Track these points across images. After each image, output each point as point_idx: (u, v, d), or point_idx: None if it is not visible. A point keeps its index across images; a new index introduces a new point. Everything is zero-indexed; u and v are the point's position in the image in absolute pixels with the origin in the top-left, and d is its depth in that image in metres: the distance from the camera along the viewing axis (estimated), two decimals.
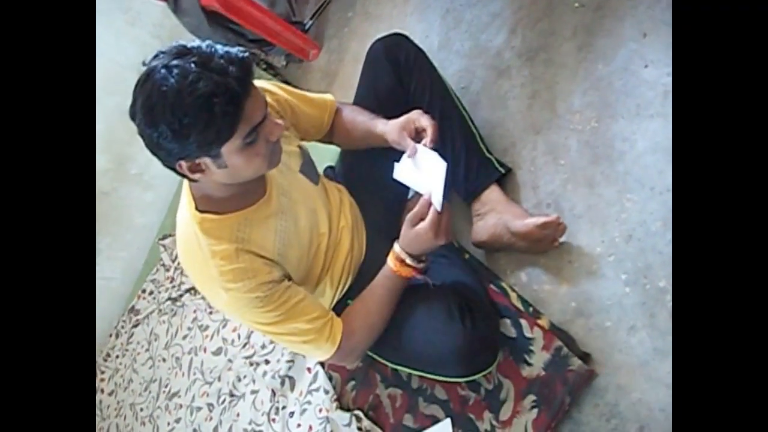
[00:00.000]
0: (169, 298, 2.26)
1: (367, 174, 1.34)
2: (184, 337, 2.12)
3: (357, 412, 1.41)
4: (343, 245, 1.24)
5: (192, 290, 2.18)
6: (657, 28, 1.28)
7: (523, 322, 1.21)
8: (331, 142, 1.33)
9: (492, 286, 1.28)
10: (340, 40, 2.07)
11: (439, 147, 1.15)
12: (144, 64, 0.88)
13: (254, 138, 0.91)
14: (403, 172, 1.12)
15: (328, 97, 1.30)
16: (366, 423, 1.39)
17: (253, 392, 1.73)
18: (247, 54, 0.89)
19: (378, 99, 1.30)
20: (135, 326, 2.39)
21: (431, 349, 1.11)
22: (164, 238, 2.46)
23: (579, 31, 1.40)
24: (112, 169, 2.34)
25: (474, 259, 1.35)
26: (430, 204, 1.05)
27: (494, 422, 1.18)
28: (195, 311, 2.13)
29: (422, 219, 1.05)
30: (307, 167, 1.20)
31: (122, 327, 2.47)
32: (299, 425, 1.54)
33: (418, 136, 1.12)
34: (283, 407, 1.61)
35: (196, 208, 1.01)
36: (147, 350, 2.28)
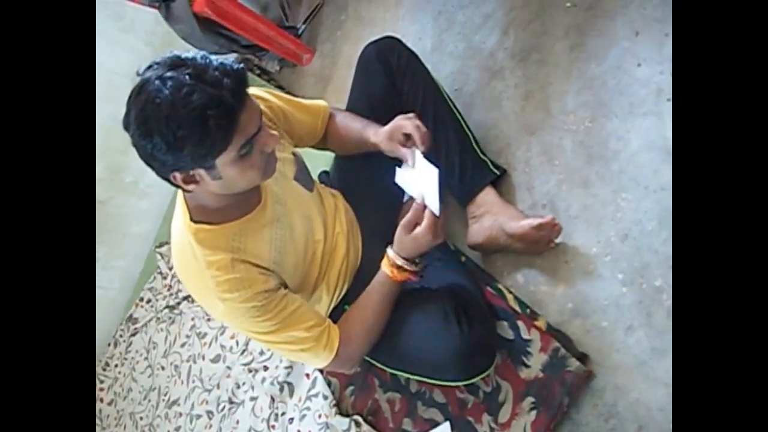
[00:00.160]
0: (167, 306, 2.25)
1: (362, 178, 1.34)
2: (183, 345, 2.11)
3: (356, 417, 1.41)
4: (339, 251, 1.24)
5: (189, 298, 2.17)
6: (649, 26, 1.28)
7: (520, 323, 1.20)
8: (325, 148, 1.33)
9: (489, 288, 1.28)
10: (333, 44, 2.07)
11: (432, 150, 1.16)
12: (138, 74, 0.87)
13: (249, 150, 0.90)
14: (402, 177, 1.13)
15: (321, 103, 1.29)
16: (365, 428, 1.38)
17: (252, 399, 1.72)
18: (241, 65, 0.89)
19: (371, 103, 1.29)
20: (133, 335, 2.38)
21: (428, 354, 1.11)
22: (161, 246, 2.45)
23: (571, 31, 1.40)
24: (107, 178, 2.33)
25: (470, 261, 1.35)
26: (424, 208, 1.05)
27: (493, 425, 1.18)
28: (193, 319, 2.13)
29: (417, 224, 1.05)
30: (302, 174, 1.20)
31: (121, 336, 2.46)
32: (299, 431, 1.53)
33: (409, 141, 1.12)
34: (283, 413, 1.61)
35: (191, 219, 1.01)
36: (146, 359, 2.27)
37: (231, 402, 1.79)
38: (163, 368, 2.15)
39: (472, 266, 1.34)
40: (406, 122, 1.12)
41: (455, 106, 1.34)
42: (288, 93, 2.11)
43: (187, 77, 0.82)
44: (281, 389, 1.63)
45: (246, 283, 1.00)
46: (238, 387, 1.79)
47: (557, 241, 1.22)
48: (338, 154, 1.39)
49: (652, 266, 1.12)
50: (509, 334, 1.21)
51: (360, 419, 1.40)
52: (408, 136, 1.12)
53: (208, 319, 2.05)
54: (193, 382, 1.98)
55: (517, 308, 1.23)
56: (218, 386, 1.86)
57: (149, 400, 2.14)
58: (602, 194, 1.23)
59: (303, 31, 2.16)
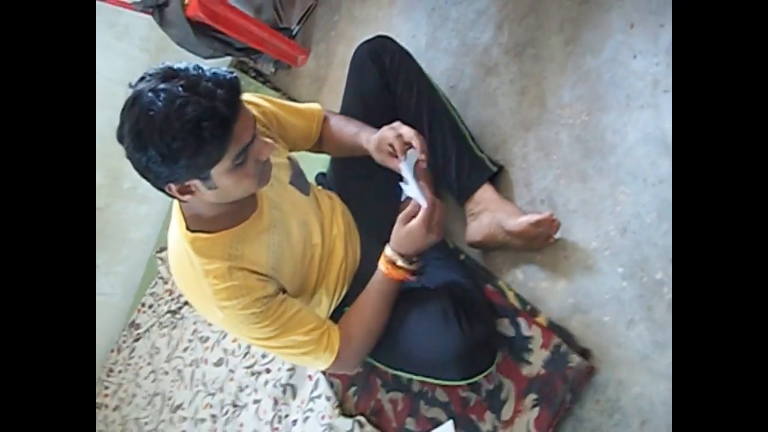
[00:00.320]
0: (169, 311, 2.25)
1: (359, 179, 1.33)
2: (185, 350, 2.11)
3: (359, 417, 1.41)
4: (337, 253, 1.23)
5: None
6: (644, 18, 1.27)
7: (521, 320, 1.20)
8: (321, 151, 1.32)
9: (489, 285, 1.27)
10: (328, 45, 2.07)
11: (428, 148, 1.14)
12: (130, 86, 0.86)
13: (244, 159, 0.90)
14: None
15: (315, 106, 1.28)
16: (369, 428, 1.38)
17: (256, 402, 1.72)
18: (234, 75, 0.88)
19: (365, 103, 1.29)
20: (136, 340, 2.38)
21: (429, 354, 1.10)
22: (161, 250, 2.45)
23: (566, 25, 1.39)
24: (106, 184, 2.33)
25: (470, 259, 1.34)
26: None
27: (496, 423, 1.17)
28: (195, 323, 2.13)
29: (413, 218, 1.05)
30: (297, 179, 1.19)
31: (123, 342, 2.46)
32: None
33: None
34: (286, 416, 1.61)
35: (187, 228, 1.00)
36: (149, 364, 2.27)
37: (234, 405, 1.79)
38: (166, 373, 2.15)
39: (472, 264, 1.33)
40: (388, 133, 1.10)
41: (450, 104, 1.33)
42: (284, 94, 2.11)
43: (180, 89, 0.82)
44: (284, 391, 1.63)
45: (244, 290, 0.99)
46: (241, 390, 1.79)
47: (556, 236, 1.22)
48: (334, 157, 1.38)
49: (652, 259, 1.11)
50: (510, 332, 1.21)
51: (363, 420, 1.40)
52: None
53: (210, 324, 2.05)
54: (197, 386, 1.98)
55: (518, 305, 1.22)
56: (221, 390, 1.86)
57: (153, 405, 2.14)
58: (600, 188, 1.22)
59: (297, 32, 2.16)
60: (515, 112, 1.42)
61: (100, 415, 2.36)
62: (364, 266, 1.25)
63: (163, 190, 0.91)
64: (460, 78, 1.56)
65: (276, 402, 1.64)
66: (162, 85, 0.83)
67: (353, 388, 1.46)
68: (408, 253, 1.07)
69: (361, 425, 1.39)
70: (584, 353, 1.12)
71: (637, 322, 1.09)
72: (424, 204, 1.04)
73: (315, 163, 1.47)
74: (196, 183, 0.90)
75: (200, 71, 0.85)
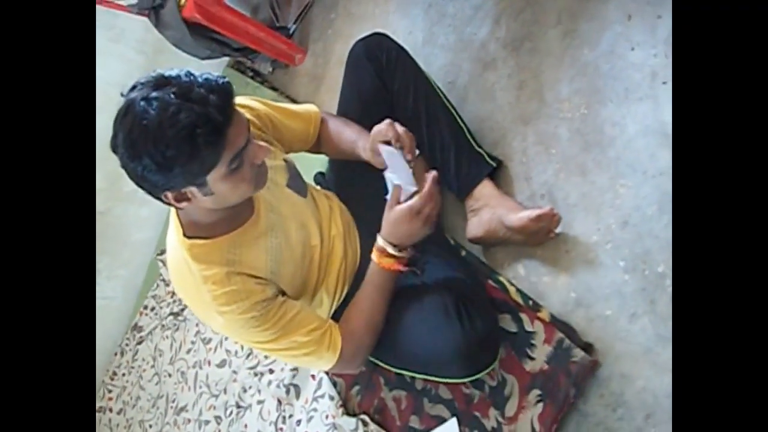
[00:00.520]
0: (171, 313, 2.25)
1: (358, 178, 1.32)
2: (188, 351, 2.11)
3: (363, 416, 1.40)
4: (336, 253, 1.23)
5: None
6: (641, 9, 1.26)
7: (523, 316, 1.19)
8: (319, 152, 1.32)
9: (490, 281, 1.27)
10: (325, 43, 2.06)
11: (426, 145, 1.14)
12: (122, 95, 0.86)
13: (239, 163, 0.90)
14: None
15: (312, 108, 1.28)
16: (373, 427, 1.37)
17: (259, 402, 1.72)
18: (226, 80, 0.88)
19: (362, 101, 1.28)
20: (139, 343, 2.38)
21: (431, 352, 1.10)
22: (162, 253, 2.45)
23: (563, 18, 1.38)
24: (106, 188, 2.32)
25: (471, 255, 1.34)
26: (412, 194, 1.04)
27: (500, 419, 1.17)
28: (197, 325, 2.12)
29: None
30: (294, 181, 1.19)
31: (127, 345, 2.46)
32: None
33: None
34: (290, 416, 1.60)
35: (184, 234, 1.00)
36: (152, 366, 2.27)
37: (238, 406, 1.79)
38: (170, 375, 2.15)
39: (473, 260, 1.33)
40: (380, 127, 1.09)
41: (448, 100, 1.32)
42: (282, 94, 2.10)
43: (172, 96, 0.82)
44: (287, 391, 1.62)
45: (243, 294, 0.99)
46: (245, 391, 1.79)
47: (557, 231, 1.21)
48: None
49: (653, 252, 1.11)
50: (512, 327, 1.20)
51: (367, 418, 1.39)
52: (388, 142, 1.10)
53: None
54: (200, 387, 1.97)
55: (520, 300, 1.22)
56: (225, 391, 1.86)
57: (158, 408, 2.14)
58: (600, 181, 1.21)
59: (294, 31, 2.15)
60: (514, 106, 1.41)
61: (104, 418, 2.36)
62: (364, 265, 1.24)
63: (159, 199, 0.91)
64: (458, 73, 1.55)
65: (280, 402, 1.63)
66: (154, 93, 0.82)
67: (356, 387, 1.46)
68: (399, 241, 1.07)
69: (365, 424, 1.38)
70: (587, 348, 1.12)
71: (639, 316, 1.09)
72: (411, 188, 1.03)
73: (313, 163, 1.46)
74: (192, 190, 0.90)
75: (192, 78, 0.85)
